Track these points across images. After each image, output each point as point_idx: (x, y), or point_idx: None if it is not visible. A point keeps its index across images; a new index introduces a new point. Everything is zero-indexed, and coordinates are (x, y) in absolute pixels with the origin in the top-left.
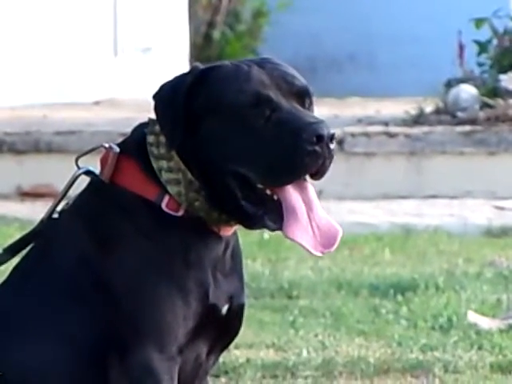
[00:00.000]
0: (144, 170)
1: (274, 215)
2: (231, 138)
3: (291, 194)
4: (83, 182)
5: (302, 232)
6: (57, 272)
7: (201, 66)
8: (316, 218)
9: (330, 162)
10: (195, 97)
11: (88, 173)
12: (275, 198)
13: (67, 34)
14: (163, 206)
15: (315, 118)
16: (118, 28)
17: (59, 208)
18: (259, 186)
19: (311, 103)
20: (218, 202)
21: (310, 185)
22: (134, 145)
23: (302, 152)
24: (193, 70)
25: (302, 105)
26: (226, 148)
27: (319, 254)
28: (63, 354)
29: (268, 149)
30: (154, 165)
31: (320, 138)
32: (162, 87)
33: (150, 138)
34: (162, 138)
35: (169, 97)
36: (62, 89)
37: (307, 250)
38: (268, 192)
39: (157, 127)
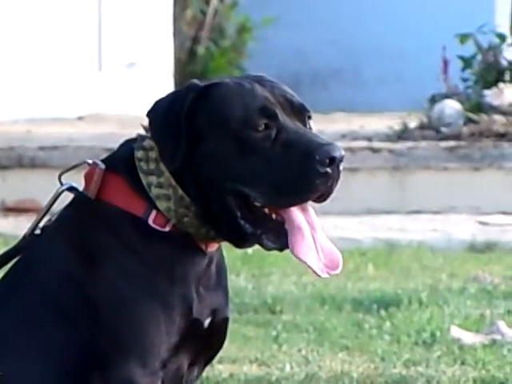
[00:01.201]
0: (131, 185)
1: (272, 235)
2: (235, 156)
3: (296, 214)
4: (66, 198)
5: (309, 252)
6: (39, 288)
7: (198, 82)
8: (319, 239)
9: (337, 185)
10: (196, 114)
11: (71, 189)
12: (274, 217)
13: (51, 48)
14: (150, 221)
15: (325, 140)
16: (102, 43)
17: (42, 224)
18: (258, 204)
19: (310, 120)
20: (211, 220)
21: (311, 206)
22: (121, 160)
23: (315, 173)
24: (191, 86)
25: (303, 123)
26: (229, 166)
27: (325, 276)
28: (45, 371)
29: (276, 169)
30: (143, 180)
31: (333, 160)
32: (157, 104)
33: (139, 154)
34: (152, 154)
35: (168, 114)
36: (45, 104)
37: (313, 271)
38: (266, 211)
39: (145, 143)
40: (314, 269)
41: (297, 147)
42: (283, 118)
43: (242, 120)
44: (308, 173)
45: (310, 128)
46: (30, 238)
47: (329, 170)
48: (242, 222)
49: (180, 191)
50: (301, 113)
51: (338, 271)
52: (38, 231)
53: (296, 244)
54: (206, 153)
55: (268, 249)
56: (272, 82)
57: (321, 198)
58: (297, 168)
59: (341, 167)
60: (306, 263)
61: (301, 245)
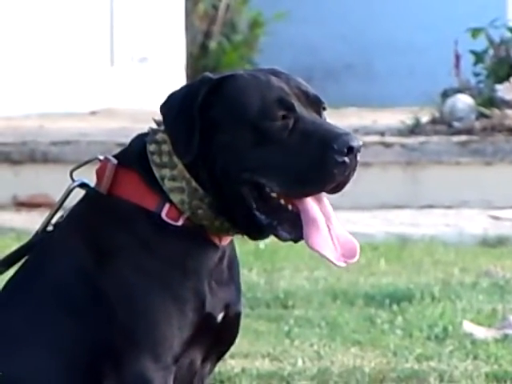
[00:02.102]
0: (144, 179)
1: (288, 225)
2: (252, 147)
3: (311, 204)
4: (78, 194)
5: (324, 243)
6: (52, 285)
7: (211, 75)
8: (335, 229)
9: (353, 175)
10: (211, 106)
11: (83, 185)
12: (289, 207)
13: (63, 44)
14: (163, 215)
15: (342, 129)
16: (114, 38)
17: (54, 220)
18: (273, 195)
19: (324, 112)
20: (226, 211)
21: (325, 197)
22: (134, 155)
23: (332, 163)
24: (204, 79)
25: (319, 114)
26: (246, 157)
27: (342, 265)
28: (57, 367)
29: (294, 159)
30: (157, 173)
31: (351, 150)
32: (171, 97)
33: (152, 147)
34: (165, 147)
35: (182, 107)
36: (58, 99)
37: (330, 261)
38: (282, 202)
39: (158, 136)
40: (330, 259)
41: (314, 137)
42: (300, 108)
43: (260, 111)
44: (326, 162)
45: (325, 119)
46: (42, 235)
47: (347, 159)
48: (257, 213)
49: (194, 183)
50: (316, 104)
51: (355, 259)
52: (50, 228)
53: (311, 235)
54: (222, 144)
55: (283, 240)
56: (286, 74)
57: (336, 188)
58: (315, 157)
59: (358, 157)
60: (321, 254)
61: (316, 236)
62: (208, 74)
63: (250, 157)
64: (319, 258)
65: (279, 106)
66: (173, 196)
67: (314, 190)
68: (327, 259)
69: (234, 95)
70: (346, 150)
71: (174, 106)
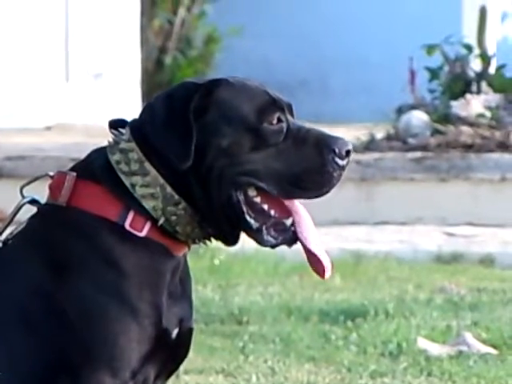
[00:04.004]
0: (107, 189)
1: (274, 231)
2: (250, 151)
3: (302, 208)
4: (28, 210)
5: (320, 248)
6: (5, 301)
7: (193, 80)
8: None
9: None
10: (204, 111)
11: (33, 202)
12: (272, 213)
13: (18, 59)
14: (127, 225)
15: (333, 134)
16: (69, 53)
17: (4, 237)
18: (256, 200)
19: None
20: (206, 217)
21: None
22: (94, 166)
23: (334, 165)
24: (189, 84)
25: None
26: (243, 161)
27: (328, 275)
28: (12, 382)
29: (294, 162)
30: (126, 181)
31: (348, 153)
32: (153, 106)
33: (116, 157)
34: (133, 155)
35: (172, 112)
36: (13, 114)
37: (318, 269)
38: (265, 208)
39: (122, 145)
40: (325, 265)
41: (312, 140)
42: (285, 113)
43: (258, 114)
44: (327, 165)
45: None
46: None
47: (344, 162)
48: (248, 217)
49: (168, 189)
50: (291, 110)
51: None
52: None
53: (309, 238)
54: (219, 149)
55: (265, 245)
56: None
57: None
58: (316, 160)
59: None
60: (317, 258)
61: (314, 239)
62: (190, 80)
63: (249, 160)
64: (273, 274)
65: (275, 109)
66: (145, 202)
67: (315, 192)
68: (319, 265)
69: (230, 99)
70: (344, 154)
71: (159, 113)
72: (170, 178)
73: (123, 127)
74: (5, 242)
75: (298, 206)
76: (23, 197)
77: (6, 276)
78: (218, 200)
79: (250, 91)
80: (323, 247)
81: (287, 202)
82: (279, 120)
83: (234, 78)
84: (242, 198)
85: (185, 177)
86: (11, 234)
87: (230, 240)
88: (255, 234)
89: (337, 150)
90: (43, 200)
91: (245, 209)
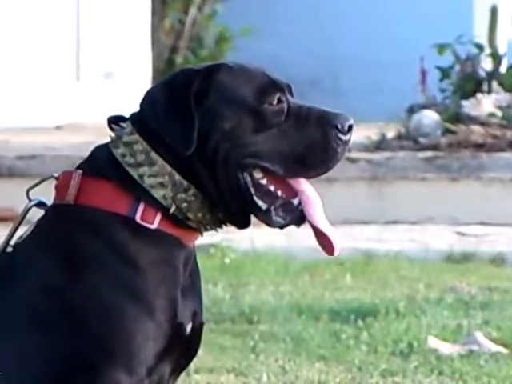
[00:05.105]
0: (115, 184)
1: (282, 211)
2: (253, 132)
3: (309, 187)
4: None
5: (327, 224)
6: (18, 302)
7: (192, 67)
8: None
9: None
10: (205, 95)
11: (40, 204)
12: (279, 194)
13: (29, 58)
14: (137, 217)
15: (333, 110)
16: (80, 53)
17: (14, 241)
18: (263, 182)
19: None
20: (219, 201)
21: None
22: (100, 163)
23: (337, 141)
24: (188, 70)
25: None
26: (248, 143)
27: (337, 252)
28: (28, 382)
29: (298, 140)
30: (134, 173)
31: (350, 128)
32: (152, 93)
33: (121, 150)
34: (138, 146)
35: (172, 99)
36: (24, 113)
37: (327, 247)
38: (272, 189)
39: (125, 139)
40: (334, 242)
41: (313, 118)
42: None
43: (258, 95)
44: (331, 141)
45: None
46: (3, 254)
47: (347, 137)
48: (256, 198)
49: (177, 176)
50: (291, 90)
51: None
52: (10, 248)
53: (316, 216)
54: (222, 132)
55: (274, 226)
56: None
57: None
58: (319, 137)
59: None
60: (325, 235)
61: (321, 217)
62: (189, 66)
63: (252, 142)
64: (284, 273)
65: (275, 89)
66: (155, 192)
67: (320, 169)
68: (327, 242)
69: (230, 82)
70: (347, 129)
71: (159, 101)
72: (177, 165)
73: (123, 123)
74: (15, 246)
75: (305, 185)
76: (30, 200)
77: (18, 278)
78: (225, 183)
79: (250, 73)
80: (329, 224)
81: (293, 182)
82: (279, 100)
83: (233, 62)
84: (248, 179)
85: (191, 163)
86: (20, 237)
87: (241, 223)
88: (264, 216)
89: (339, 126)
90: (50, 202)
91: (253, 190)
